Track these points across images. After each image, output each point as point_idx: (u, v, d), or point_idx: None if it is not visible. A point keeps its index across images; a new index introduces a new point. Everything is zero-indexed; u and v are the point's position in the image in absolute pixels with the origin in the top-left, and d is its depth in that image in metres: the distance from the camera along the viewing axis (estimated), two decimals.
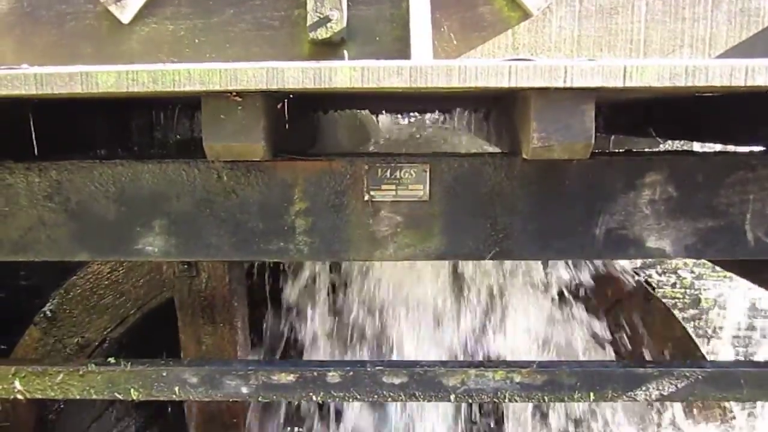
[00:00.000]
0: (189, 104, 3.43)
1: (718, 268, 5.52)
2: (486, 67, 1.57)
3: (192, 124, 3.82)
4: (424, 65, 1.57)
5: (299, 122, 2.68)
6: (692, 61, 1.63)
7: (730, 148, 2.68)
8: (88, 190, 1.94)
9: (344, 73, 1.58)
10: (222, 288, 3.21)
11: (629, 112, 3.29)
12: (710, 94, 2.09)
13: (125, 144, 3.28)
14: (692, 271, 5.69)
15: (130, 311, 3.67)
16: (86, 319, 3.65)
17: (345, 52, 2.01)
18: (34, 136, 2.10)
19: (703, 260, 5.52)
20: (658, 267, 5.70)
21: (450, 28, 2.06)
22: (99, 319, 3.66)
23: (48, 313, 3.63)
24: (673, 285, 5.72)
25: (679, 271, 5.71)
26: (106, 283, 3.66)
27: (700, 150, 3.21)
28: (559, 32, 2.05)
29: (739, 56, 2.01)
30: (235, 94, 1.67)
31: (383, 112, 5.30)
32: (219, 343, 3.26)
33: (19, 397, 2.18)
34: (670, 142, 3.84)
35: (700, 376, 2.06)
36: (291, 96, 1.95)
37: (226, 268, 3.22)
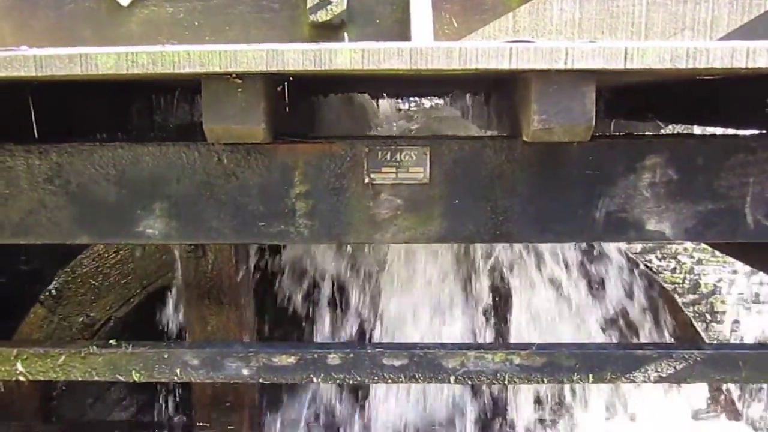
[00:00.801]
0: (189, 88, 3.42)
1: (717, 253, 5.53)
2: (487, 48, 1.56)
3: (192, 109, 3.81)
4: (425, 47, 1.56)
5: (299, 107, 2.68)
6: (693, 43, 1.62)
7: (731, 132, 2.68)
8: (88, 173, 1.94)
9: (345, 55, 1.57)
10: (228, 269, 3.22)
11: (630, 97, 3.28)
12: (711, 77, 2.09)
13: (125, 128, 3.27)
14: (692, 256, 5.71)
15: (136, 291, 3.69)
16: (92, 298, 3.67)
17: (345, 34, 2.01)
18: (34, 119, 2.10)
19: (702, 245, 5.53)
20: (658, 252, 5.71)
21: (450, 11, 2.05)
22: (104, 298, 3.68)
23: (53, 291, 3.64)
24: (673, 270, 5.74)
25: (678, 256, 5.72)
26: (112, 262, 3.67)
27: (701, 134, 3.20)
28: (560, 15, 2.04)
29: (741, 39, 2.00)
30: (235, 76, 1.66)
31: (384, 96, 5.29)
32: (225, 324, 3.27)
33: (21, 378, 2.20)
34: (671, 126, 3.83)
35: (698, 358, 2.07)
36: (291, 79, 1.95)
37: (232, 249, 3.23)
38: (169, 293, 3.74)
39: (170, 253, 3.59)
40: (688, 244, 5.67)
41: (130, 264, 3.67)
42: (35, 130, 2.09)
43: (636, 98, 3.27)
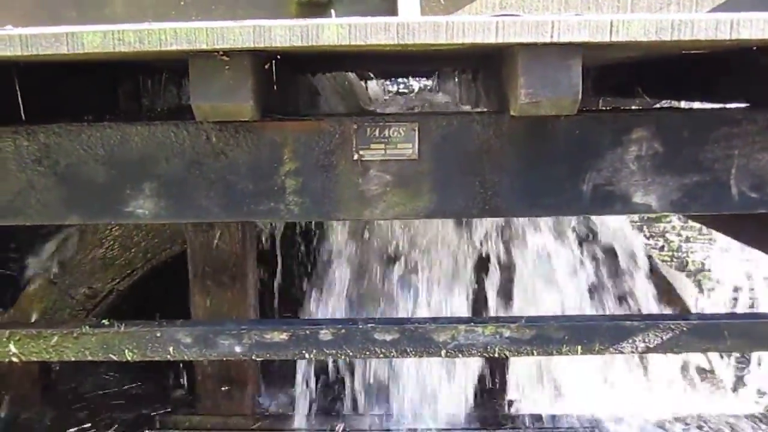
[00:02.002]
0: (176, 71, 3.41)
1: (705, 231, 5.59)
2: (473, 23, 1.57)
3: (180, 92, 3.79)
4: (412, 21, 1.57)
5: (287, 87, 2.67)
6: (679, 15, 1.63)
7: (717, 106, 2.70)
8: (77, 153, 1.94)
9: (332, 31, 1.57)
10: (234, 245, 3.21)
11: (617, 75, 3.29)
12: (697, 52, 2.10)
13: (112, 111, 3.26)
14: (680, 234, 5.77)
15: (139, 264, 3.67)
16: (94, 269, 3.64)
17: (332, 11, 2.00)
18: (20, 99, 2.09)
19: (690, 223, 5.59)
20: (647, 230, 5.77)
21: None
22: (107, 270, 3.65)
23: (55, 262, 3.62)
24: (661, 248, 5.81)
25: (666, 235, 5.79)
26: (116, 234, 3.64)
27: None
28: None
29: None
30: (222, 53, 1.66)
31: (371, 76, 5.28)
32: (229, 298, 3.26)
33: (15, 360, 2.20)
34: (658, 104, 3.86)
35: (684, 328, 2.10)
36: (279, 56, 1.95)
37: (239, 224, 3.21)
38: (173, 267, 3.70)
39: (175, 227, 3.55)
40: (676, 222, 5.73)
41: (134, 236, 3.64)
42: (22, 112, 2.08)
43: (623, 76, 3.29)
